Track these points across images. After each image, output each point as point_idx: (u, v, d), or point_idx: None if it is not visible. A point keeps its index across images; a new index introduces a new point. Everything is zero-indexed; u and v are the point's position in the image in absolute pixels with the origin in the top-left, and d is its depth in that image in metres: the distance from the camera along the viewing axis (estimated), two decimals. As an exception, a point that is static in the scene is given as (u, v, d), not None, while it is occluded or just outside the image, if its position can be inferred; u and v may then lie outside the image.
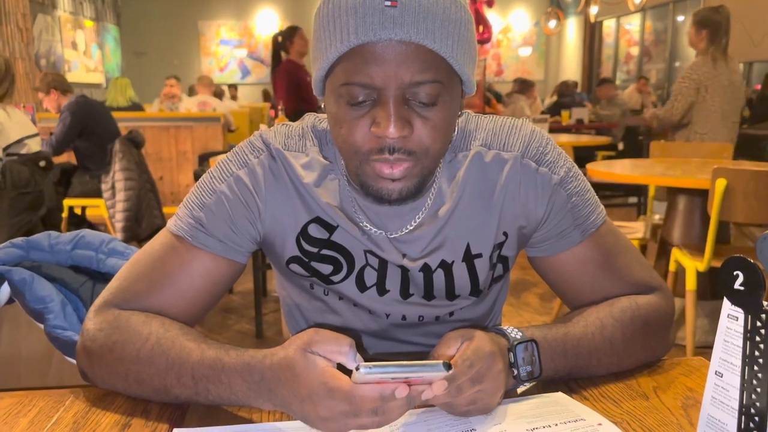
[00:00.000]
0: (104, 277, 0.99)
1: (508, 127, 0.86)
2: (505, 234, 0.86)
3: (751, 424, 0.56)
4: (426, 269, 0.84)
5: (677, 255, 2.47)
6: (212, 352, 0.71)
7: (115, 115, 4.30)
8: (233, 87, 10.29)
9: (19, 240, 0.98)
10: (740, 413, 0.57)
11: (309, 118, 0.89)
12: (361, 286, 0.85)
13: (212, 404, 0.72)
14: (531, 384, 0.78)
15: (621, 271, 0.87)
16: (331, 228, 0.84)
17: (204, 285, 0.82)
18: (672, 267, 2.54)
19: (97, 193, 3.93)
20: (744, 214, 2.16)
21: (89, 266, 1.00)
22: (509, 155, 0.84)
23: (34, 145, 2.98)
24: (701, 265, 2.29)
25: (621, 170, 2.81)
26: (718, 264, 2.25)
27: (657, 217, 3.39)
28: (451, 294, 0.86)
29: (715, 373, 0.61)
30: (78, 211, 4.38)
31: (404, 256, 0.84)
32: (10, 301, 0.96)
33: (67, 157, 4.10)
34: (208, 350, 0.71)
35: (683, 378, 0.81)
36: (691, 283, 2.35)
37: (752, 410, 0.56)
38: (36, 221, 2.86)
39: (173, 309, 0.80)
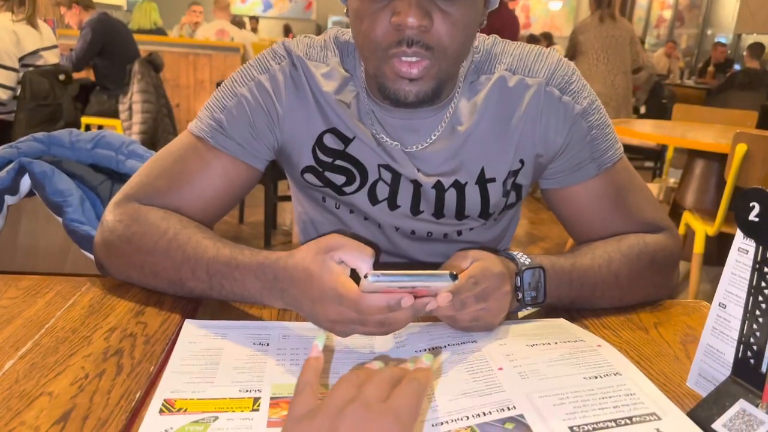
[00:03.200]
0: (122, 178, 1.01)
1: (535, 54, 0.85)
2: (522, 161, 0.86)
3: (749, 353, 0.57)
4: (439, 186, 0.85)
5: (688, 218, 2.46)
6: (227, 250, 0.73)
7: (136, 37, 4.25)
8: (254, 19, 10.11)
9: (40, 135, 1.00)
10: (739, 342, 0.58)
11: (332, 31, 0.89)
12: (373, 199, 0.87)
13: (225, 299, 0.75)
14: (534, 309, 0.79)
15: (632, 209, 0.87)
16: (346, 140, 0.85)
17: (222, 187, 0.83)
18: (681, 230, 2.53)
19: (114, 114, 3.92)
20: (761, 180, 2.14)
21: (109, 166, 1.01)
22: (533, 81, 0.84)
23: (50, 57, 2.96)
24: (711, 229, 2.29)
25: (641, 129, 2.78)
26: (728, 230, 2.24)
27: (672, 181, 3.37)
28: (460, 214, 0.87)
29: (719, 305, 0.62)
30: (94, 129, 4.39)
31: (418, 170, 0.85)
32: (30, 194, 0.98)
33: (86, 75, 4.09)
34: (224, 248, 0.73)
35: (684, 317, 0.82)
36: (699, 246, 2.35)
37: (751, 339, 0.57)
38: (53, 134, 2.87)
39: (191, 208, 0.82)
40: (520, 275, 0.74)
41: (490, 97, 0.84)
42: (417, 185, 0.85)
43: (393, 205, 0.87)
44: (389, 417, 0.43)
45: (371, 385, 0.46)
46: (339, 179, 0.86)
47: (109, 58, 3.88)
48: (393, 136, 0.84)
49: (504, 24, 4.01)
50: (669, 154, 3.26)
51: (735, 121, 3.18)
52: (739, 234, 0.59)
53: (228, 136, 0.83)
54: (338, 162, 0.86)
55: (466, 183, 0.85)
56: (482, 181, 0.86)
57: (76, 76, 3.53)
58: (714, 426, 0.56)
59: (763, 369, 0.55)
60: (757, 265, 0.56)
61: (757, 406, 0.55)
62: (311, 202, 0.94)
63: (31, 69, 2.85)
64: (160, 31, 5.73)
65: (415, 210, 0.87)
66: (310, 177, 0.88)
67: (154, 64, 3.85)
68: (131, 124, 3.84)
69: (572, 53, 4.33)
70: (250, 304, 0.77)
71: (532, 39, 7.47)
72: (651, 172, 5.10)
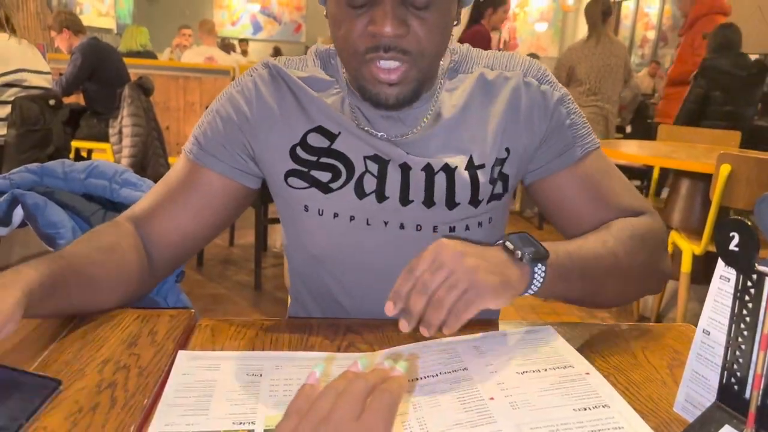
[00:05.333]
0: (116, 207, 1.01)
1: (509, 55, 0.93)
2: (508, 150, 0.89)
3: (733, 379, 0.58)
4: (428, 169, 0.86)
5: (675, 237, 2.49)
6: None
7: (126, 61, 4.27)
8: (244, 42, 10.19)
9: (33, 166, 1.00)
10: (723, 369, 0.59)
11: (312, 47, 0.94)
12: (360, 193, 0.87)
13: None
14: (543, 273, 0.72)
15: (617, 194, 0.90)
16: (332, 136, 0.87)
17: (211, 204, 0.88)
18: (669, 249, 2.56)
19: (105, 137, 3.92)
20: (745, 200, 2.18)
21: (102, 195, 1.02)
22: (512, 74, 0.90)
23: (40, 81, 2.97)
24: (698, 248, 2.32)
25: (626, 150, 2.82)
26: (714, 249, 2.27)
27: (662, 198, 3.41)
28: (451, 201, 0.87)
29: (703, 331, 0.63)
30: (84, 154, 4.38)
31: (408, 153, 0.86)
32: (22, 224, 0.98)
33: (76, 99, 4.09)
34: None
35: (671, 341, 0.84)
36: (686, 265, 2.38)
37: (735, 366, 0.58)
38: (44, 160, 2.86)
39: (185, 226, 0.87)
40: (504, 242, 0.72)
41: (472, 88, 0.89)
42: (406, 169, 0.86)
43: (381, 196, 0.87)
44: None
45: (343, 402, 0.46)
46: (325, 176, 0.87)
47: (99, 82, 3.89)
48: (378, 127, 0.87)
49: (477, 40, 4.04)
50: (655, 174, 3.30)
51: (719, 141, 3.23)
52: (720, 262, 0.61)
53: (207, 152, 0.88)
54: (323, 159, 0.87)
55: (456, 168, 0.86)
56: (472, 167, 0.87)
57: (66, 100, 3.54)
58: (700, 452, 0.57)
59: (747, 395, 0.56)
60: (738, 294, 0.58)
61: (741, 431, 0.56)
62: (293, 218, 0.92)
63: (18, 91, 2.85)
64: (150, 55, 5.76)
65: (405, 199, 0.87)
66: (294, 180, 0.88)
67: (144, 88, 3.86)
68: (121, 147, 3.84)
69: (566, 80, 4.34)
70: (243, 334, 0.78)
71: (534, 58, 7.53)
72: (639, 190, 5.15)
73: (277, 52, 10.01)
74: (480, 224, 0.91)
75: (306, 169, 0.88)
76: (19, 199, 0.93)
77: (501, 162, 0.89)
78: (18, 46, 2.90)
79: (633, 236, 0.85)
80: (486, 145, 0.88)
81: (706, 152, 2.79)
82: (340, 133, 0.87)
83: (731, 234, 0.58)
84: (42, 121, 2.80)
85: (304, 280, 0.96)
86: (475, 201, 0.88)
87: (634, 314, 2.98)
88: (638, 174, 4.72)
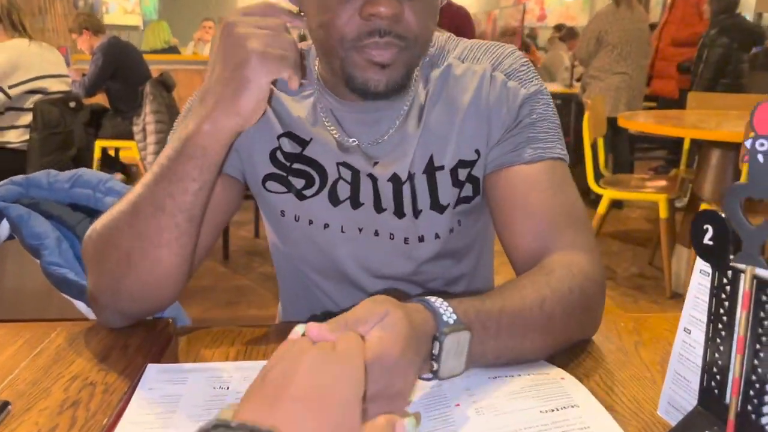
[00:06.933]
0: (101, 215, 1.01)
1: (486, 46, 0.87)
2: (477, 152, 0.84)
3: (713, 383, 0.54)
4: (395, 180, 0.83)
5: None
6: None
7: (149, 57, 4.32)
8: (268, 30, 10.17)
9: (18, 178, 1.00)
10: (703, 371, 0.55)
11: None
12: (334, 200, 0.85)
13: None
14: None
15: (565, 212, 0.80)
16: (303, 142, 0.84)
17: (213, 205, 0.80)
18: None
19: (130, 136, 3.98)
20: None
21: (87, 204, 1.02)
22: (479, 68, 0.84)
23: (59, 86, 3.01)
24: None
25: (652, 121, 2.72)
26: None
27: (682, 169, 3.30)
28: (415, 209, 0.84)
29: (684, 330, 0.59)
30: (112, 152, 4.46)
31: (375, 164, 0.83)
32: (11, 237, 0.99)
33: (96, 100, 4.16)
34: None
35: (668, 333, 0.79)
36: (717, 239, 2.29)
37: (714, 369, 0.54)
38: (67, 162, 2.92)
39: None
40: (440, 340, 0.57)
41: (439, 85, 0.84)
42: (374, 180, 0.84)
43: (356, 203, 0.85)
44: None
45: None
46: (299, 183, 0.85)
47: (121, 80, 3.94)
48: (350, 132, 0.84)
49: (459, 22, 3.93)
50: (685, 144, 3.18)
51: (751, 106, 3.09)
52: (699, 257, 0.56)
53: None
54: (296, 165, 0.85)
55: (414, 174, 0.83)
56: (430, 170, 0.84)
57: (89, 101, 3.60)
58: (678, 461, 0.53)
59: (727, 400, 0.52)
60: (715, 291, 0.53)
61: (721, 439, 0.52)
62: (272, 222, 0.92)
63: (39, 97, 2.90)
64: (173, 50, 5.81)
65: (378, 207, 0.85)
66: (272, 185, 0.87)
67: (165, 84, 3.89)
68: (146, 144, 3.89)
69: (594, 48, 4.26)
70: (220, 342, 0.77)
71: (568, 30, 7.33)
72: (669, 163, 5.00)
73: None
74: (451, 230, 0.87)
75: (284, 174, 0.86)
76: (3, 212, 0.93)
77: (470, 164, 0.84)
78: (38, 51, 2.94)
79: (572, 289, 0.72)
80: (447, 146, 0.83)
81: (738, 119, 2.67)
82: (311, 139, 0.84)
83: (705, 227, 0.53)
84: (63, 124, 2.85)
85: (288, 284, 0.94)
86: (437, 206, 0.85)
87: (667, 291, 2.90)
88: (670, 144, 4.58)
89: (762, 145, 0.46)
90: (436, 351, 0.57)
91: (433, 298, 0.61)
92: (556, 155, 0.82)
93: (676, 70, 4.88)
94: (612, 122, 3.50)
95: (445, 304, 0.60)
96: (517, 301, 0.68)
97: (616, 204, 4.14)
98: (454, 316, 0.59)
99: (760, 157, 0.47)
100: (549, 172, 0.81)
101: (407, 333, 0.53)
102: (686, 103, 3.41)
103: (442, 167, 0.84)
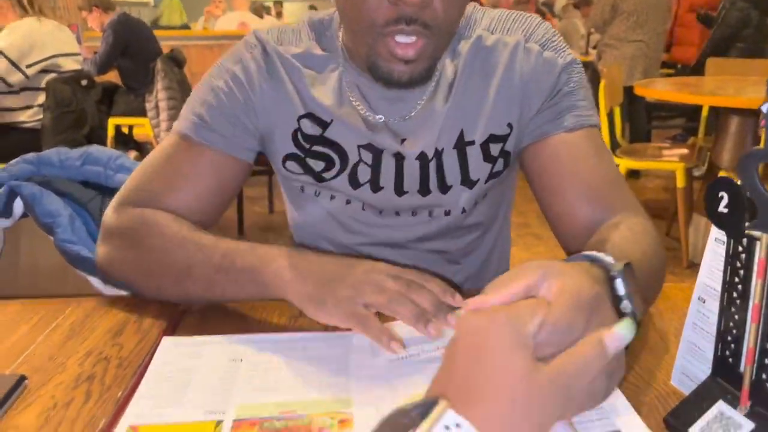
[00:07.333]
0: (112, 192, 1.01)
1: (515, 15, 0.85)
2: (510, 126, 0.83)
3: (727, 352, 0.53)
4: (422, 158, 0.83)
5: (723, 179, 2.36)
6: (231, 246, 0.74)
7: (159, 33, 4.30)
8: (278, 3, 10.09)
9: (30, 156, 1.01)
10: (717, 340, 0.54)
11: (305, 17, 0.89)
12: (354, 184, 0.85)
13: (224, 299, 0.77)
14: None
15: (603, 179, 0.79)
16: (324, 123, 0.83)
17: (214, 182, 0.83)
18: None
19: (143, 113, 3.98)
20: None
21: (98, 181, 1.02)
22: (511, 39, 0.83)
23: (71, 64, 3.01)
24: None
25: (669, 88, 2.67)
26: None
27: (700, 137, 3.25)
28: (443, 185, 0.84)
29: (699, 299, 0.58)
30: (125, 130, 4.47)
31: (403, 141, 0.83)
32: (25, 215, 0.99)
33: (113, 77, 4.15)
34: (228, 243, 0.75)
35: (684, 303, 0.78)
36: (735, 208, 2.26)
37: (728, 337, 0.53)
38: (80, 140, 2.94)
39: (188, 207, 0.82)
40: (619, 276, 0.51)
41: (469, 56, 0.83)
42: (399, 159, 0.83)
43: (376, 187, 0.85)
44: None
45: None
46: (318, 165, 0.85)
47: (133, 57, 3.93)
48: (377, 109, 0.83)
49: None
50: (704, 112, 3.13)
51: (772, 72, 3.03)
52: (714, 226, 0.55)
53: (210, 129, 0.83)
54: (316, 147, 0.85)
55: (443, 150, 0.83)
56: (461, 146, 0.83)
57: (101, 78, 3.60)
58: (691, 431, 0.53)
59: (741, 368, 0.52)
60: (730, 259, 0.52)
61: (735, 408, 0.52)
62: (292, 197, 0.93)
63: (53, 75, 2.91)
64: (183, 26, 5.79)
65: (400, 190, 0.85)
66: (291, 165, 0.87)
67: (176, 60, 3.88)
68: (159, 121, 3.89)
69: (609, 15, 4.18)
70: (234, 316, 0.77)
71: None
72: (688, 131, 4.92)
73: (311, 8, 9.89)
74: (476, 203, 0.87)
75: (303, 155, 0.85)
76: (16, 190, 0.94)
77: (503, 139, 0.83)
78: (50, 29, 2.94)
79: (646, 236, 0.71)
80: (478, 120, 0.82)
81: (757, 85, 2.61)
82: (332, 120, 0.83)
83: (720, 194, 0.52)
84: (75, 102, 2.85)
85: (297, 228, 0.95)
86: (468, 182, 0.84)
87: (683, 262, 2.87)
88: (688, 112, 4.50)
89: (779, 108, 0.45)
90: (621, 290, 0.50)
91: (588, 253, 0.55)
92: (594, 122, 0.83)
93: (696, 18, 4.79)
94: (628, 91, 3.44)
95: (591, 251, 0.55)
96: (622, 244, 0.65)
97: (633, 174, 4.09)
98: (609, 255, 0.53)
99: (777, 121, 0.45)
100: (590, 139, 0.82)
101: (584, 270, 0.47)
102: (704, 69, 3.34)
103: (472, 142, 0.83)
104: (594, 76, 4.65)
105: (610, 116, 2.95)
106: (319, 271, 0.68)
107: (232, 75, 0.84)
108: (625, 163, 2.90)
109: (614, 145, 3.04)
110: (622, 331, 0.41)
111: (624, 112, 3.59)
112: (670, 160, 2.91)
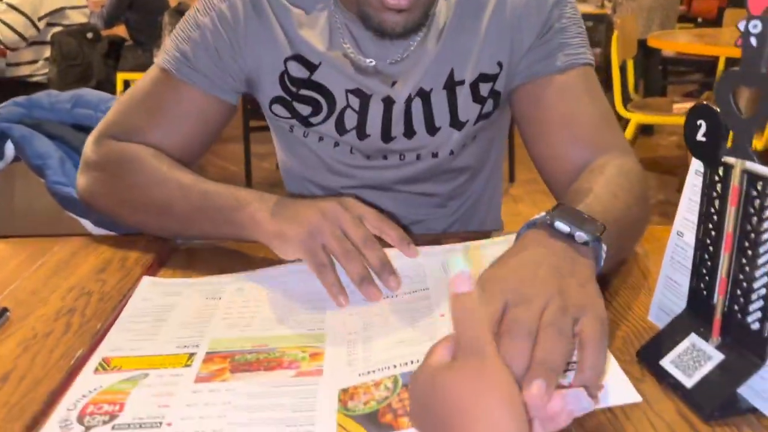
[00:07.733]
0: (103, 136, 1.01)
1: None
2: (500, 65, 0.81)
3: (702, 284, 0.53)
4: (411, 99, 0.82)
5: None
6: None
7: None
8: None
9: (21, 98, 1.01)
10: (693, 273, 0.54)
11: None
12: (341, 130, 0.84)
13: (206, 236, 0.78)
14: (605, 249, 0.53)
15: (592, 119, 0.79)
16: (311, 66, 0.82)
17: (195, 120, 0.83)
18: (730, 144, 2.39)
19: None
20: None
21: (89, 124, 1.02)
22: None
23: (77, 17, 2.99)
24: (759, 143, 2.15)
25: (685, 40, 2.60)
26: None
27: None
28: (431, 126, 0.83)
29: (677, 233, 0.57)
30: (133, 85, 4.46)
31: (393, 83, 0.81)
32: (18, 158, 1.00)
33: (121, 32, 4.12)
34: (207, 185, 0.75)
35: (671, 245, 0.77)
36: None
37: (703, 270, 0.52)
38: (87, 94, 2.93)
39: (170, 142, 0.82)
40: (550, 221, 0.53)
41: None
42: (389, 104, 0.82)
43: (362, 134, 0.84)
44: None
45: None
46: (305, 110, 0.84)
47: (140, 11, 3.89)
48: (368, 52, 0.81)
49: None
50: (720, 65, 3.04)
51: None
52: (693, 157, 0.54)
53: (193, 67, 0.82)
54: (303, 91, 0.83)
55: (431, 90, 0.81)
56: (450, 85, 0.81)
57: (107, 32, 3.57)
58: (662, 362, 0.53)
59: (714, 301, 0.51)
60: (706, 189, 0.51)
61: (707, 340, 0.51)
62: (281, 138, 0.92)
63: (58, 28, 2.89)
64: (192, -22, 5.71)
65: (386, 137, 0.84)
66: (278, 109, 0.85)
67: (183, 14, 3.84)
68: (167, 76, 3.88)
69: None
70: (219, 257, 0.77)
71: None
72: (705, 86, 4.80)
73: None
74: (464, 146, 0.86)
75: (290, 99, 0.84)
76: (6, 132, 0.94)
77: (493, 78, 0.81)
78: None
79: (630, 179, 0.70)
80: (469, 58, 0.80)
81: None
82: (320, 63, 0.81)
83: (698, 122, 0.51)
84: (81, 56, 2.84)
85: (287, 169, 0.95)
86: (456, 123, 0.83)
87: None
88: (705, 67, 4.39)
89: (755, 26, 0.43)
90: (563, 229, 0.52)
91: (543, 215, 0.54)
92: (586, 60, 0.80)
93: None
94: (643, 44, 3.35)
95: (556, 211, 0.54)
96: (602, 198, 0.63)
97: (646, 130, 4.02)
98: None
99: (753, 40, 0.43)
100: (582, 79, 0.80)
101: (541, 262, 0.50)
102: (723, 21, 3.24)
103: (462, 82, 0.81)
104: (609, 28, 4.54)
105: (623, 69, 2.89)
106: (287, 211, 0.68)
107: (219, 12, 0.82)
108: (636, 118, 2.85)
109: (626, 100, 2.98)
110: (457, 268, 0.39)
111: (639, 67, 3.51)
112: (682, 114, 2.85)
